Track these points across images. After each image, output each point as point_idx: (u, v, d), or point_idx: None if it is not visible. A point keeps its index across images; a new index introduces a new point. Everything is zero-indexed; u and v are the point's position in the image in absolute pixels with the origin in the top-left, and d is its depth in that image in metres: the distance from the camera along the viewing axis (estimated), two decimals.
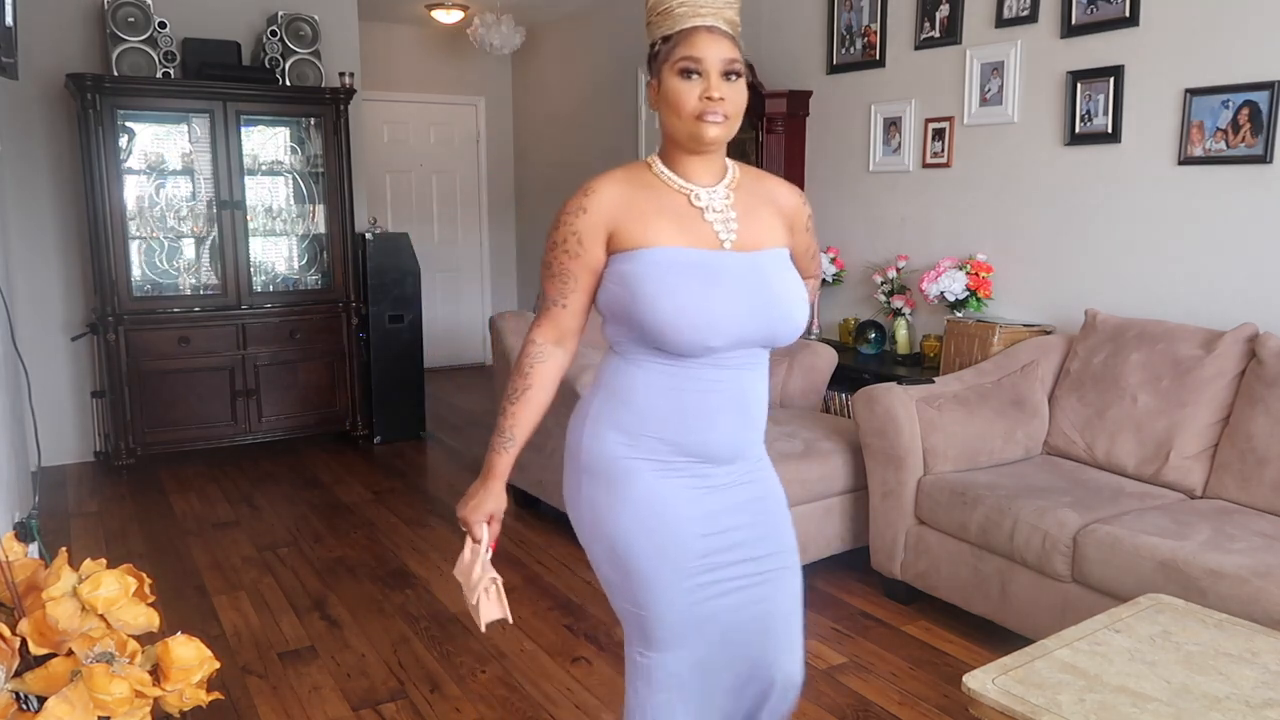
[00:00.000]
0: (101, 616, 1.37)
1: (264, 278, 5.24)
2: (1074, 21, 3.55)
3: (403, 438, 5.50)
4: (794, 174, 4.69)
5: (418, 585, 3.46)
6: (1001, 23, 3.81)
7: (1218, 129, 3.19)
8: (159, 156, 4.94)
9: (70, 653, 1.33)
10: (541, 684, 2.75)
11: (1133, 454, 3.06)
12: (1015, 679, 1.68)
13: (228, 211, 4.94)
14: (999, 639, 2.84)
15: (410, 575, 3.55)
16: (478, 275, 7.88)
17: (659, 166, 1.59)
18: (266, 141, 5.29)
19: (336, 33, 5.41)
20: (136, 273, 4.86)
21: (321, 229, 5.27)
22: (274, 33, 5.05)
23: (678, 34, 1.51)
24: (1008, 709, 1.61)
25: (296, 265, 5.41)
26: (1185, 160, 3.29)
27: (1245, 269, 3.17)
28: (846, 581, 3.40)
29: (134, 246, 4.84)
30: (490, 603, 1.63)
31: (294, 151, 5.34)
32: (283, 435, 5.21)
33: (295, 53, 5.08)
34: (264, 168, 5.22)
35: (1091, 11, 3.50)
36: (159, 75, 4.70)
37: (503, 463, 1.63)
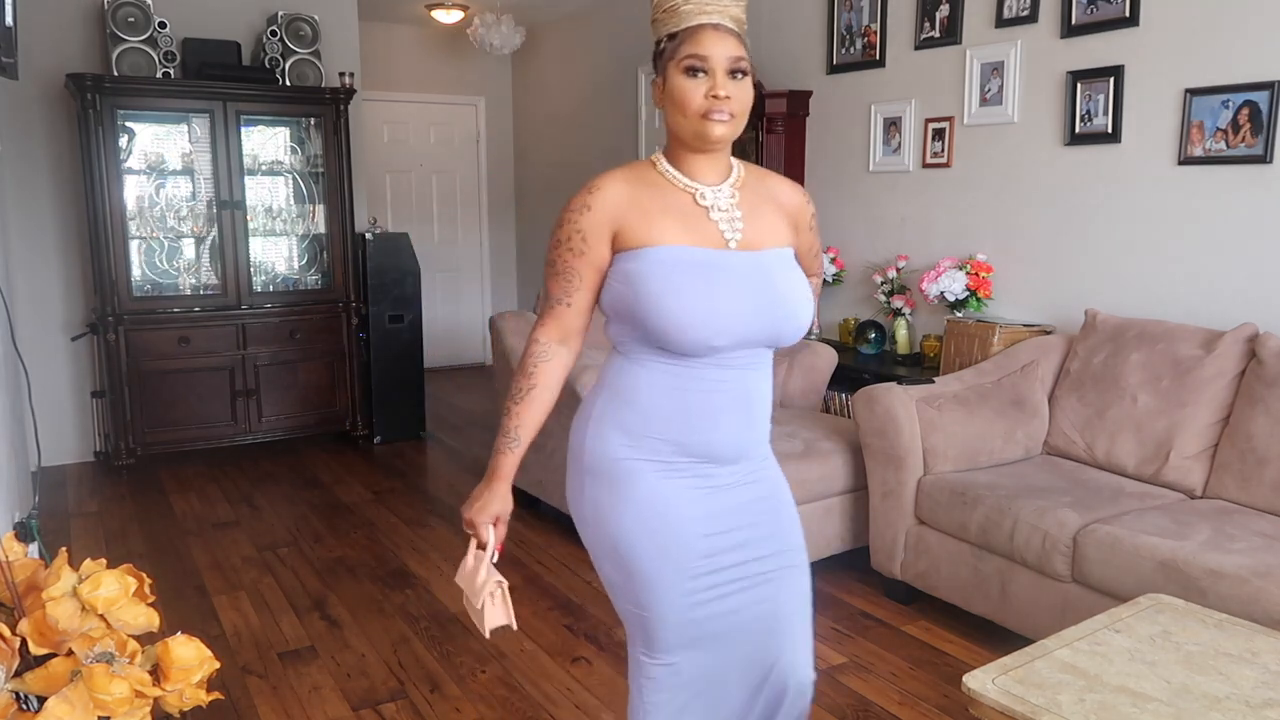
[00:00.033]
0: (101, 616, 1.37)
1: (264, 278, 5.24)
2: (1074, 21, 3.55)
3: (403, 438, 5.50)
4: (794, 174, 4.69)
5: (418, 585, 3.46)
6: (1001, 23, 3.81)
7: (1218, 129, 3.19)
8: (159, 156, 4.94)
9: (70, 653, 1.32)
10: (541, 684, 2.75)
11: (1133, 454, 3.06)
12: (1015, 679, 1.68)
13: (228, 211, 4.94)
14: (999, 639, 2.84)
15: (410, 575, 3.55)
16: (478, 275, 7.88)
17: (664, 165, 1.58)
18: (266, 141, 5.29)
19: (336, 33, 5.41)
20: (136, 273, 4.86)
21: (321, 229, 5.27)
22: (274, 33, 5.05)
23: (683, 31, 1.50)
24: (1008, 709, 1.61)
25: (296, 265, 5.41)
26: (1185, 160, 3.29)
27: (1245, 269, 3.17)
28: (846, 581, 3.40)
29: (134, 246, 4.84)
30: (495, 608, 1.60)
31: (294, 151, 5.34)
32: (283, 435, 5.21)
33: (295, 53, 5.08)
34: (264, 168, 5.22)
35: (1091, 11, 3.50)
36: (159, 75, 4.70)
37: (508, 463, 1.61)
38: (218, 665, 1.45)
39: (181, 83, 4.75)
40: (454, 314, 7.68)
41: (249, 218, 5.04)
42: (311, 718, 2.58)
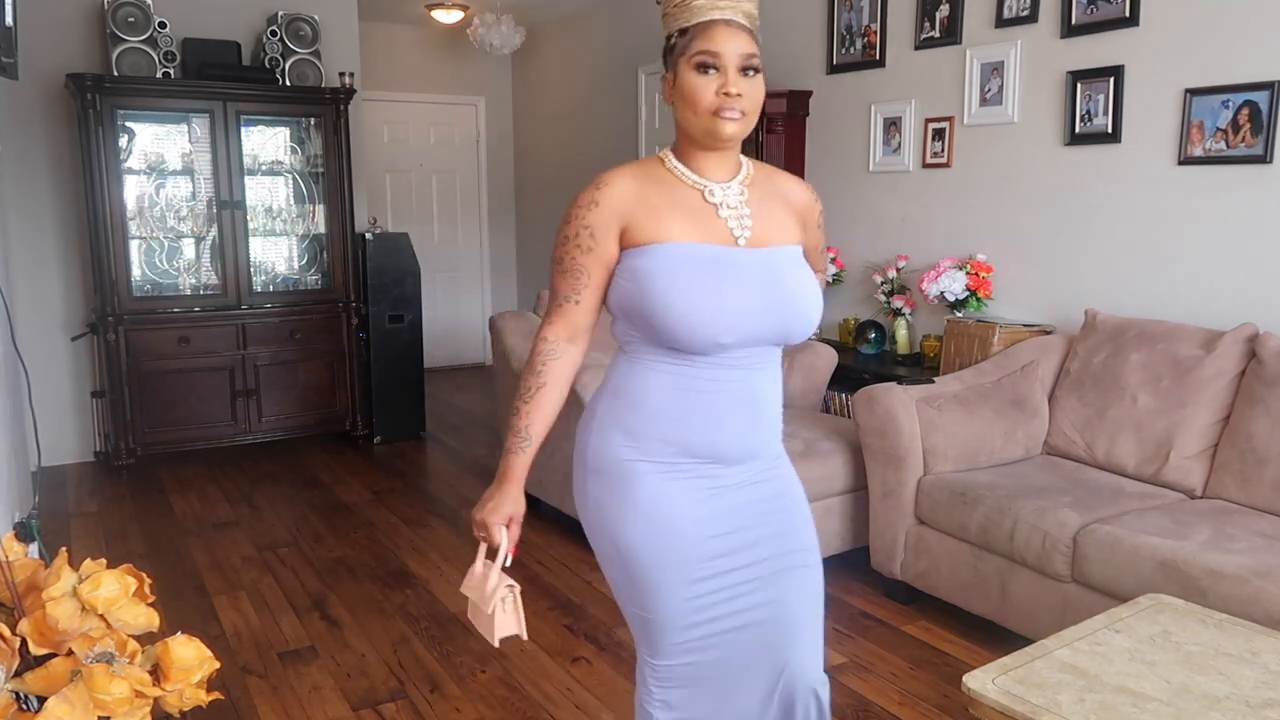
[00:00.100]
0: (101, 616, 1.37)
1: (264, 278, 5.24)
2: (1074, 21, 3.55)
3: (403, 438, 5.50)
4: (794, 173, 4.68)
5: (418, 585, 3.46)
6: (1001, 23, 3.81)
7: (1218, 129, 3.19)
8: (159, 156, 4.94)
9: (70, 653, 1.32)
10: (541, 684, 2.75)
11: (1133, 454, 3.06)
12: (1015, 679, 1.68)
13: (228, 211, 4.94)
14: (999, 639, 2.84)
15: (410, 575, 3.55)
16: (478, 275, 7.88)
17: (672, 161, 1.57)
18: (266, 141, 5.29)
19: (336, 33, 5.41)
20: (136, 273, 4.86)
21: (321, 229, 5.27)
22: (274, 33, 5.05)
23: (695, 27, 1.48)
24: (1008, 709, 1.61)
25: (296, 265, 5.42)
26: (1185, 160, 3.29)
27: (1245, 269, 3.17)
28: (846, 581, 3.39)
29: (134, 246, 4.84)
30: (506, 615, 1.55)
31: (294, 151, 5.34)
32: (283, 435, 5.21)
33: (295, 53, 5.08)
34: (264, 168, 5.22)
35: (1091, 11, 3.50)
36: (159, 75, 4.70)
37: (520, 463, 1.59)
38: (218, 665, 1.45)
39: (181, 83, 4.75)
40: (454, 314, 7.68)
41: (249, 218, 5.04)
42: (311, 718, 2.58)
